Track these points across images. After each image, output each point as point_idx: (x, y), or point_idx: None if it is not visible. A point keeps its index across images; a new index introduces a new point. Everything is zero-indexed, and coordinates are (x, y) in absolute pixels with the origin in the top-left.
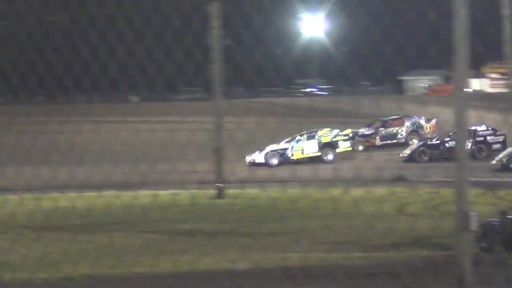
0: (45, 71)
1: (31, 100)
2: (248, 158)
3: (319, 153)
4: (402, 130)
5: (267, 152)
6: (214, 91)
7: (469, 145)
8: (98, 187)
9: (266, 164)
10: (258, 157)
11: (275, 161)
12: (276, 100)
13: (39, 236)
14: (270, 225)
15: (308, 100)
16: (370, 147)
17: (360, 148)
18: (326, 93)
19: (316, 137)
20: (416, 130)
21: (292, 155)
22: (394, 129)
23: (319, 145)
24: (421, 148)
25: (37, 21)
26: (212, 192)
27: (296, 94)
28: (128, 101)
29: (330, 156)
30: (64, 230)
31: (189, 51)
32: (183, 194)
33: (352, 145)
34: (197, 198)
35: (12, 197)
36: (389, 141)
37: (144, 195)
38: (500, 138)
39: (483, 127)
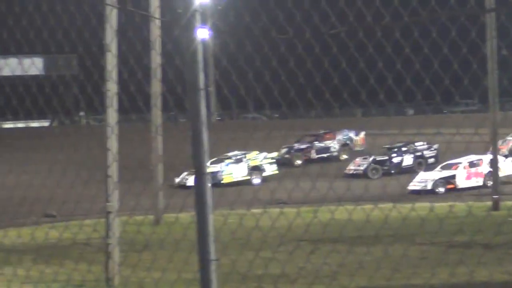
0: (323, 84)
1: (308, 114)
2: (177, 180)
3: (248, 177)
4: (334, 143)
5: None
6: (490, 102)
7: (411, 160)
8: (375, 199)
9: None
10: (189, 179)
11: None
12: None
13: (316, 248)
14: None
15: None
16: (306, 161)
17: (299, 162)
18: None
19: (244, 160)
20: (347, 143)
21: (222, 178)
22: (327, 143)
23: (248, 169)
24: (373, 165)
25: (315, 34)
26: (489, 204)
27: None
28: (404, 114)
29: (257, 180)
30: (340, 242)
31: (466, 62)
32: (460, 206)
33: (289, 160)
34: (473, 209)
35: (290, 210)
36: (324, 155)
37: (421, 207)
38: (433, 153)
39: (420, 142)
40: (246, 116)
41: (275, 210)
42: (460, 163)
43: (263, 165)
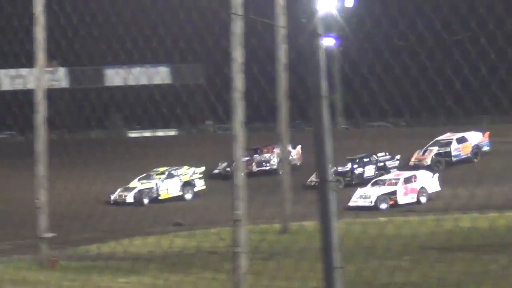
0: (446, 91)
1: (433, 121)
2: (113, 196)
3: (181, 193)
4: (273, 157)
5: (137, 191)
6: None
7: (373, 171)
8: (500, 207)
9: (138, 203)
10: (128, 196)
11: (146, 200)
12: None
13: (441, 256)
14: None
15: None
16: (247, 174)
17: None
18: None
19: (176, 175)
20: None
21: (159, 194)
22: (267, 156)
23: (180, 184)
24: (335, 176)
25: (437, 41)
26: None
27: None
28: None
29: (189, 195)
30: (466, 250)
31: None
32: None
33: (232, 173)
34: None
35: (413, 218)
36: (264, 168)
37: None
38: (396, 163)
39: (382, 153)
40: (372, 124)
41: (400, 219)
42: (396, 179)
43: (194, 180)
